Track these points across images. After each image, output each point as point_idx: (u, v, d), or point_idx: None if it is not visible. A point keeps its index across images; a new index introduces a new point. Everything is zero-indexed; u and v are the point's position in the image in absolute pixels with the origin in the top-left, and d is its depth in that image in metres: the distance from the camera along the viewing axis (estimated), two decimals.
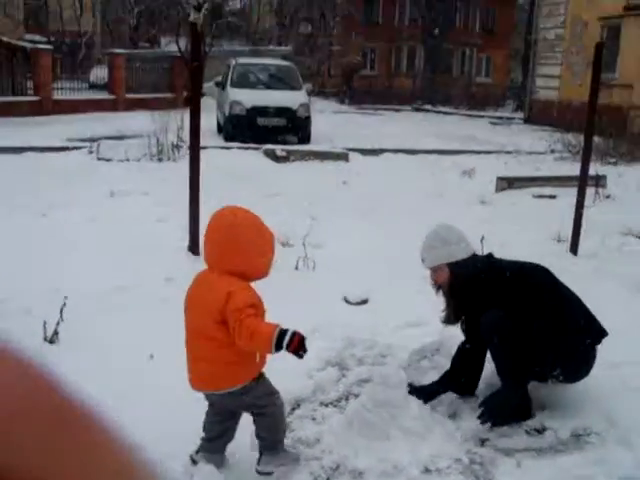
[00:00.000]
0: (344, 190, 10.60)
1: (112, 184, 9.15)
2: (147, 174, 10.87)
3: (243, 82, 16.40)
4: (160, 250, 6.25)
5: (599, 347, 3.63)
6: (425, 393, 3.70)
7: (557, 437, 3.42)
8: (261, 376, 3.02)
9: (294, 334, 2.74)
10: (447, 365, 3.91)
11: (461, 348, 3.84)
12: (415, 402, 3.46)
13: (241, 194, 7.19)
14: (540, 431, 3.49)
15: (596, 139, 9.78)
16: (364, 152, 14.50)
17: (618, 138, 15.24)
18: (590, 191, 8.35)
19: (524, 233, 7.52)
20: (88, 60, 32.05)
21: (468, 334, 3.78)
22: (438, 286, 3.81)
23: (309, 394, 3.82)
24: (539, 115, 24.01)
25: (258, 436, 3.13)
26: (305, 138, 15.90)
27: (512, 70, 43.04)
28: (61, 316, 4.31)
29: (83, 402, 0.39)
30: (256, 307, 2.83)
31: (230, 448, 3.14)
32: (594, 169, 8.57)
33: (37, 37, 32.16)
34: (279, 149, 13.56)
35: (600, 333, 3.64)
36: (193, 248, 6.28)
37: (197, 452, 3.12)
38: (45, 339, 4.24)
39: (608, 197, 10.20)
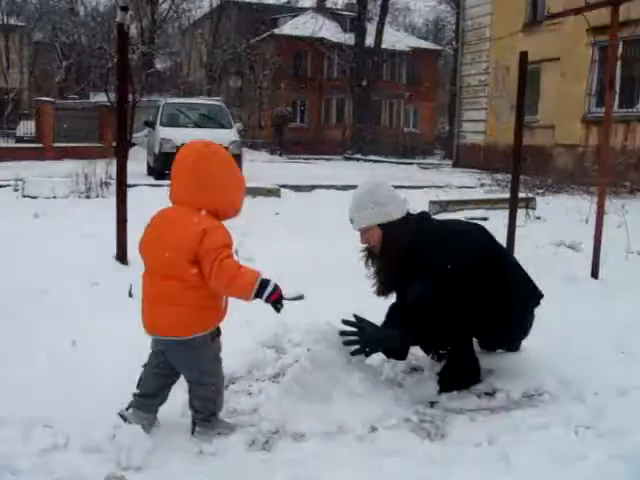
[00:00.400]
0: (276, 219, 10.45)
1: (37, 210, 8.83)
2: (74, 206, 10.51)
3: (173, 121, 16.24)
4: (87, 259, 5.94)
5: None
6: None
7: (509, 398, 3.26)
8: (217, 335, 2.84)
9: (276, 285, 2.64)
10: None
11: (391, 311, 3.59)
12: (358, 364, 3.24)
13: None
14: (491, 394, 3.32)
15: (522, 177, 10.00)
16: (296, 188, 14.42)
17: (543, 175, 15.69)
18: (521, 213, 8.44)
19: None
20: (15, 115, 31.46)
21: (400, 300, 3.52)
22: (368, 254, 3.53)
23: (244, 372, 3.57)
24: (467, 158, 24.52)
25: (192, 406, 2.88)
26: None
27: (439, 122, 44.19)
28: None
29: None
30: (230, 247, 2.66)
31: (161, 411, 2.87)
32: (524, 195, 8.74)
33: None
34: None
35: (540, 296, 3.53)
36: (121, 257, 5.99)
37: (127, 408, 2.86)
38: None
39: (538, 218, 10.35)
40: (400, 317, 3.45)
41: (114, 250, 6.05)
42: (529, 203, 10.40)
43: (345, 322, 3.36)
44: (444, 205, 10.71)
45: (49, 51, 40.81)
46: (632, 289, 5.32)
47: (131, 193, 6.46)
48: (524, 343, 3.64)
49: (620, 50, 15.77)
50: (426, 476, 2.52)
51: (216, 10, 39.67)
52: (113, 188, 11.05)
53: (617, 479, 2.46)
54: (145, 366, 2.92)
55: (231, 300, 4.23)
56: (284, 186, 14.22)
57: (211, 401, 2.86)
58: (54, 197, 11.87)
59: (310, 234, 8.14)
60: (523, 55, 7.20)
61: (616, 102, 16.28)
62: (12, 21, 41.22)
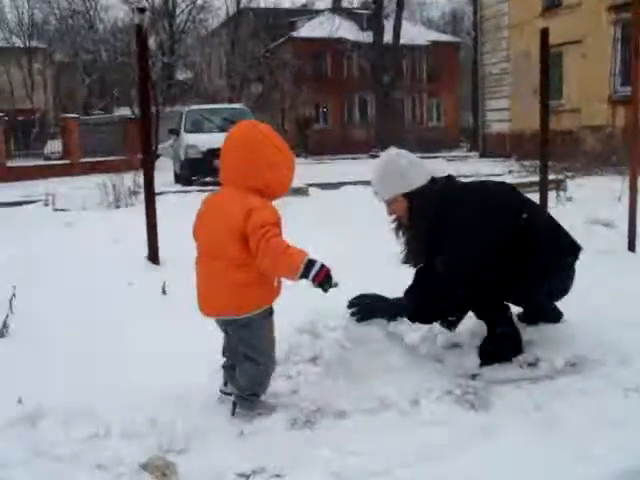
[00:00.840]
0: (307, 215, 10.42)
1: (69, 221, 8.98)
2: (104, 215, 10.61)
3: (197, 127, 16.34)
4: (120, 261, 5.99)
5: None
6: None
7: (553, 366, 3.18)
8: (270, 314, 2.84)
9: (323, 266, 2.59)
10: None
11: (418, 276, 3.50)
12: (396, 341, 3.19)
13: None
14: (534, 364, 3.24)
15: (551, 162, 9.86)
16: (323, 186, 14.39)
17: (572, 158, 15.47)
18: (552, 195, 8.34)
19: None
20: (42, 135, 31.89)
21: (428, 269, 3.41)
22: (398, 224, 3.44)
23: (282, 358, 3.50)
24: (493, 148, 24.33)
25: (237, 383, 2.88)
26: None
27: (463, 114, 43.88)
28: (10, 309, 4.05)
29: None
30: (278, 226, 2.66)
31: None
32: (554, 177, 8.59)
33: None
34: None
35: (578, 249, 3.42)
36: (153, 258, 6.01)
37: (225, 384, 2.97)
38: None
39: (569, 199, 10.18)
40: (426, 285, 3.38)
41: (145, 252, 6.08)
42: (560, 185, 10.25)
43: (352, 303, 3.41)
44: None
45: (71, 70, 41.31)
46: None
47: (159, 201, 6.50)
48: (564, 313, 3.56)
49: None
50: (474, 443, 2.47)
51: (233, 18, 39.86)
52: (141, 197, 11.17)
53: None
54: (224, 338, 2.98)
55: None
56: (311, 184, 14.20)
57: (257, 381, 2.85)
58: (84, 209, 12.00)
59: (341, 227, 8.09)
60: (544, 33, 7.11)
61: None
62: (34, 43, 41.95)
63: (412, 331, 3.44)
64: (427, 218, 3.26)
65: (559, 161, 14.21)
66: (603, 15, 17.45)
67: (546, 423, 2.60)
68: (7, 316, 4.07)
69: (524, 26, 21.42)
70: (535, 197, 7.27)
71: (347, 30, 38.48)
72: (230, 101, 32.73)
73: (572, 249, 3.41)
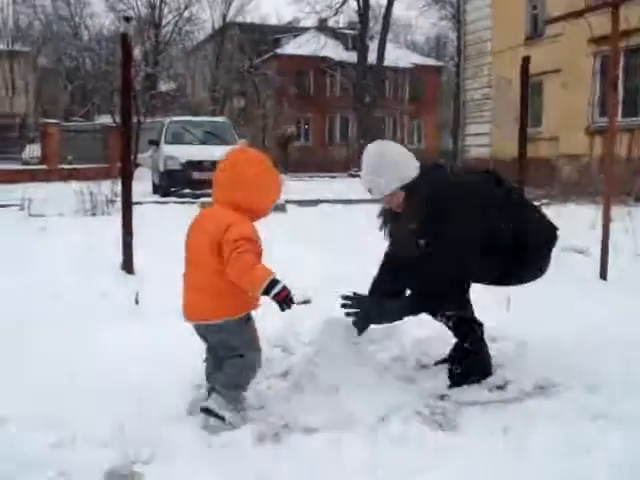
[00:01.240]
0: (284, 231, 10.43)
1: (44, 227, 8.88)
2: (81, 223, 10.52)
3: (177, 139, 16.32)
4: (95, 270, 5.93)
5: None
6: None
7: (521, 390, 3.20)
8: (248, 320, 2.97)
9: (284, 287, 2.74)
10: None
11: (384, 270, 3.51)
12: (367, 359, 3.20)
13: (178, 242, 6.97)
14: (502, 386, 3.27)
15: (527, 189, 9.95)
16: (301, 203, 14.42)
17: (549, 185, 15.66)
18: None
19: None
20: (21, 139, 31.62)
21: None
22: (384, 217, 3.41)
23: None
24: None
25: (220, 379, 2.96)
26: None
27: (443, 137, 44.29)
28: None
29: None
30: (253, 242, 2.81)
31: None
32: None
33: None
34: None
35: (555, 229, 3.46)
36: (127, 267, 5.97)
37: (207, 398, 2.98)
38: None
39: None
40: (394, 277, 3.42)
41: (120, 262, 6.04)
42: None
43: (344, 297, 3.34)
44: None
45: (54, 76, 41.11)
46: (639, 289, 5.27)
47: (136, 211, 6.47)
48: (535, 336, 3.60)
49: (622, 60, 15.79)
50: (440, 464, 2.48)
51: (219, 32, 39.99)
52: (118, 205, 11.12)
53: (636, 465, 2.42)
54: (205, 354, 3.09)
55: None
56: (289, 201, 14.22)
57: (244, 371, 2.96)
58: (60, 215, 11.90)
59: (317, 244, 8.11)
60: (525, 60, 7.22)
61: (620, 112, 16.35)
62: (17, 47, 41.66)
63: (383, 350, 3.47)
64: (423, 207, 3.18)
65: (536, 187, 14.37)
66: (584, 46, 17.70)
67: (514, 446, 2.62)
68: None
69: (506, 53, 21.68)
70: None
71: (332, 49, 38.81)
72: (213, 114, 32.78)
73: (550, 231, 3.44)
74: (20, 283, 5.45)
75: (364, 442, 2.67)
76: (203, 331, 2.98)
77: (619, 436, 2.64)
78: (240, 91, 37.80)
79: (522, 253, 3.23)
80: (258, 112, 36.08)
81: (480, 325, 3.43)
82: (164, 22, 39.17)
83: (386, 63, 35.67)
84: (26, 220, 11.07)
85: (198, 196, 13.92)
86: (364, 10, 35.13)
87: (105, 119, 29.69)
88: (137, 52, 31.46)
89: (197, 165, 15.25)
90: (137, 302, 4.93)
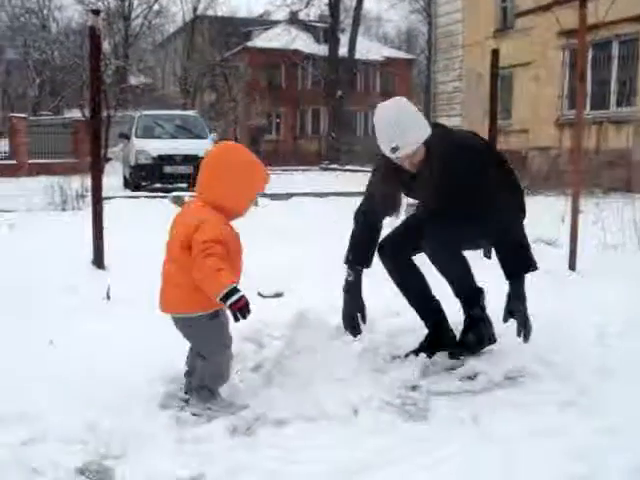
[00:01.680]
0: (256, 225, 10.41)
1: (13, 222, 8.76)
2: (50, 218, 10.41)
3: (148, 133, 16.21)
4: (65, 266, 5.88)
5: None
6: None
7: (491, 380, 3.24)
8: (216, 316, 2.92)
9: (242, 297, 2.71)
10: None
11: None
12: (338, 351, 3.22)
13: (149, 236, 6.94)
14: (472, 377, 3.31)
15: None
16: (273, 197, 14.40)
17: (519, 177, 15.81)
18: None
19: None
20: None
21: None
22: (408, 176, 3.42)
23: None
24: None
25: (196, 375, 3.01)
26: None
27: None
28: None
29: None
30: (223, 244, 2.77)
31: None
32: None
33: None
34: (187, 196, 13.33)
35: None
36: (98, 262, 5.93)
37: (185, 392, 3.05)
38: None
39: None
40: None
41: (91, 257, 5.99)
42: None
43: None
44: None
45: (22, 68, 40.55)
46: (608, 279, 5.36)
47: (107, 205, 6.44)
48: (505, 327, 3.64)
49: (590, 53, 15.97)
50: (411, 453, 2.51)
51: (189, 25, 39.71)
52: (89, 200, 11.03)
53: (601, 452, 2.46)
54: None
55: None
56: (261, 195, 14.17)
57: (213, 376, 2.97)
58: (29, 210, 11.78)
59: (289, 238, 8.13)
60: (494, 53, 7.27)
61: (588, 104, 16.54)
62: None
63: (354, 342, 3.49)
64: (440, 158, 3.26)
65: None
66: (553, 40, 17.86)
67: (482, 435, 2.66)
68: None
69: (477, 46, 21.80)
70: None
71: (303, 42, 38.73)
72: (184, 108, 32.56)
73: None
74: None
75: (336, 433, 2.69)
76: (175, 323, 2.99)
77: (587, 424, 2.69)
78: (211, 84, 37.60)
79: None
80: (229, 105, 35.90)
81: (482, 292, 3.58)
82: (133, 15, 38.83)
83: (357, 56, 35.72)
84: None
85: (169, 190, 13.84)
86: (335, 3, 35.06)
87: (74, 113, 29.37)
88: (106, 45, 31.12)
89: (168, 159, 15.18)
90: (109, 297, 4.90)
